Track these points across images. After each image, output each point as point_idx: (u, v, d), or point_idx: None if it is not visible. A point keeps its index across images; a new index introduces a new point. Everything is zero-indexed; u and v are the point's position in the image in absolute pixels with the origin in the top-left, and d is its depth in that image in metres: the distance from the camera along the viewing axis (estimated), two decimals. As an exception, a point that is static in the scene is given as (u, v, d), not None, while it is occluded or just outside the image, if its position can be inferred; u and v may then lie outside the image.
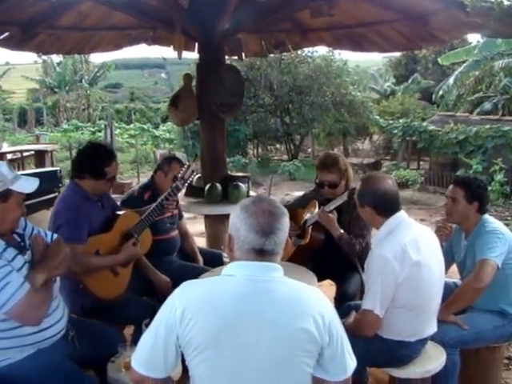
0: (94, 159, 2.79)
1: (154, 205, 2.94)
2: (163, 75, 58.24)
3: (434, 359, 2.42)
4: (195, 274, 2.80)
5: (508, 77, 14.60)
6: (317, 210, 3.24)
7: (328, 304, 1.56)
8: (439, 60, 15.33)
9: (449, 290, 2.70)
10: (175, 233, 3.47)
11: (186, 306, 1.47)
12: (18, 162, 10.95)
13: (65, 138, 19.40)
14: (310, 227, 3.25)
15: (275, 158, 18.38)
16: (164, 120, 26.01)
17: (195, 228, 6.20)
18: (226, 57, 4.89)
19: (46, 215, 3.78)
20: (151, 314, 1.71)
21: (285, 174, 14.00)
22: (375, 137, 18.93)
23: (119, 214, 2.95)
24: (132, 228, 2.86)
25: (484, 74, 14.11)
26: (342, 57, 17.29)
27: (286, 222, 1.56)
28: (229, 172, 5.00)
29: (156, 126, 24.98)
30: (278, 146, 19.16)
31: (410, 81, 23.14)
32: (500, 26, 3.01)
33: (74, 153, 12.85)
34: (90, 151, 2.85)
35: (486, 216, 2.81)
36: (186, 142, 15.71)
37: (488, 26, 3.07)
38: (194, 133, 14.29)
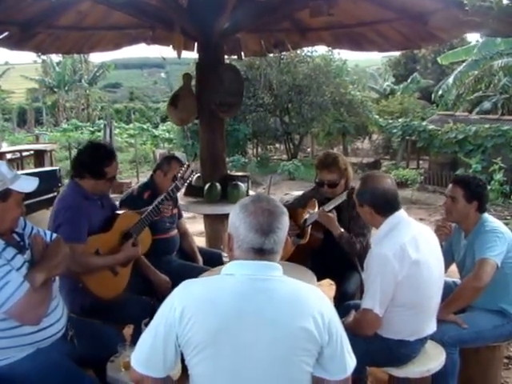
0: (94, 159, 2.79)
1: (154, 205, 2.94)
2: (162, 75, 58.30)
3: (434, 358, 2.42)
4: (194, 273, 2.79)
5: (507, 76, 14.59)
6: (316, 209, 3.24)
7: (327, 303, 1.56)
8: (438, 59, 15.35)
9: (448, 290, 2.70)
10: (174, 232, 3.47)
11: (186, 306, 1.47)
12: (17, 162, 10.93)
13: (64, 137, 19.42)
14: (310, 226, 3.25)
15: (274, 157, 18.37)
16: (163, 119, 26.02)
17: (195, 227, 6.20)
18: (226, 56, 4.90)
19: (45, 215, 3.77)
20: (150, 313, 1.71)
21: (284, 174, 14.00)
22: (374, 136, 18.92)
23: (119, 214, 2.95)
24: (131, 227, 2.86)
25: (483, 73, 14.10)
26: (341, 56, 17.34)
27: (285, 221, 1.56)
28: (228, 171, 5.00)
29: (155, 126, 24.99)
30: (277, 145, 19.16)
31: (409, 80, 23.13)
32: (499, 24, 3.02)
33: (73, 152, 12.89)
34: (90, 151, 2.85)
35: (486, 215, 2.81)
36: (185, 141, 15.71)
37: (487, 25, 3.07)
38: (193, 132, 14.30)
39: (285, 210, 1.59)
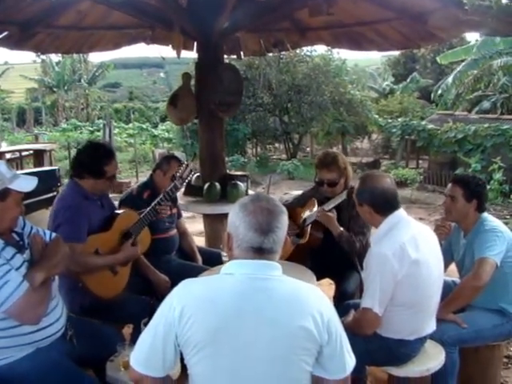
0: (94, 158, 2.79)
1: (153, 204, 2.94)
2: (162, 74, 58.28)
3: (433, 358, 2.42)
4: (194, 272, 2.78)
5: (507, 75, 14.60)
6: (316, 208, 3.24)
7: (327, 302, 1.56)
8: (438, 59, 15.37)
9: (448, 289, 2.70)
10: (174, 232, 3.47)
11: (185, 305, 1.47)
12: (16, 162, 10.91)
13: (63, 137, 19.42)
14: (309, 226, 3.24)
15: (274, 157, 18.36)
16: (163, 119, 26.03)
17: (194, 227, 6.19)
18: (225, 56, 4.90)
19: (44, 214, 3.77)
20: (150, 312, 1.71)
21: (284, 173, 13.99)
22: (374, 136, 18.94)
23: (118, 213, 2.95)
24: (131, 227, 2.86)
25: (483, 72, 14.11)
26: (340, 56, 17.32)
27: (284, 221, 1.56)
28: (228, 171, 4.99)
29: (155, 126, 24.98)
30: (276, 145, 19.16)
31: (408, 80, 23.16)
32: (498, 24, 3.02)
33: (72, 152, 12.87)
34: (89, 150, 2.85)
35: (485, 214, 2.81)
36: (184, 141, 15.70)
37: (486, 25, 3.08)
38: (192, 132, 14.29)
39: (284, 209, 1.59)
